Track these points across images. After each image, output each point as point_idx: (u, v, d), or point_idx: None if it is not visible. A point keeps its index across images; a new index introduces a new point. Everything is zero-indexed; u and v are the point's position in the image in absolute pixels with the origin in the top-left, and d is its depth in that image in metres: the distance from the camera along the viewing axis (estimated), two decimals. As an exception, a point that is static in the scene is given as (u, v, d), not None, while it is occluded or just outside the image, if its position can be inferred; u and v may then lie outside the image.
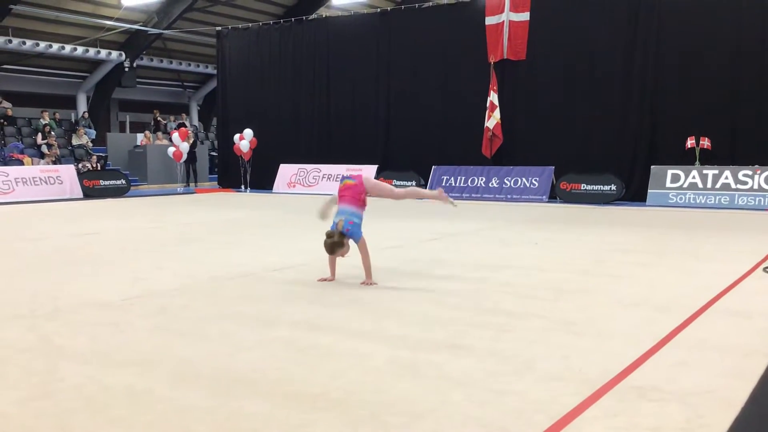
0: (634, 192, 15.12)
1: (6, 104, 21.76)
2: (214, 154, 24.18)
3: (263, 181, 19.89)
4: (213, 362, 3.74)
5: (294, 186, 19.43)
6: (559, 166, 15.80)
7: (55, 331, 4.39)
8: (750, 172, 13.86)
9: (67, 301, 5.28)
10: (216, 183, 22.10)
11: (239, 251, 8.01)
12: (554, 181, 15.73)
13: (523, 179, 16.11)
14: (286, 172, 19.78)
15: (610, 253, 7.77)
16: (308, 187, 19.13)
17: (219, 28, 22.02)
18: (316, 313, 4.88)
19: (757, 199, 13.60)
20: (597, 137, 15.63)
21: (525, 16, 16.49)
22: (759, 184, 13.70)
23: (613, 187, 14.94)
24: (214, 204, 15.57)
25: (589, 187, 15.11)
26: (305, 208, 14.13)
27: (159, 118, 24.75)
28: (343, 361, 3.74)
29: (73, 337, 4.27)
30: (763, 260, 6.96)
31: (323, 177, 19.12)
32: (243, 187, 19.90)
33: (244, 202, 16.31)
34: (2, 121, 20.76)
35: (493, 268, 6.77)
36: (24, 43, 21.55)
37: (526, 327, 4.46)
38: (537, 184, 15.92)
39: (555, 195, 15.59)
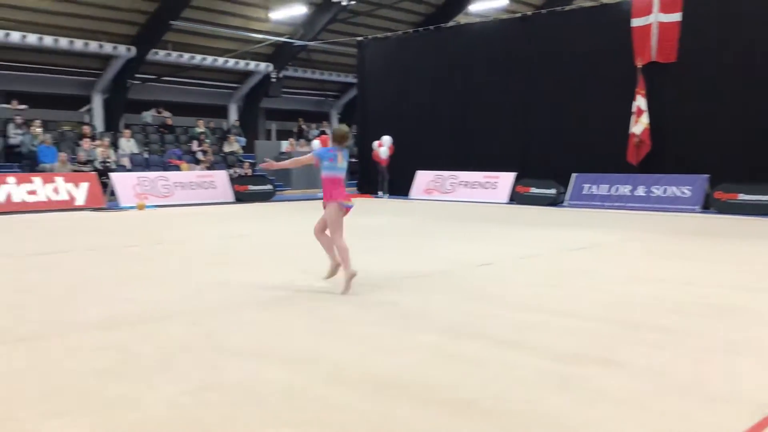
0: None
1: (166, 114, 23.52)
2: (353, 160, 24.84)
3: (400, 188, 20.17)
4: (363, 364, 3.84)
5: (431, 192, 19.55)
6: (713, 174, 14.81)
7: (216, 328, 4.68)
8: None
9: (228, 298, 5.61)
10: (354, 189, 22.68)
11: (380, 257, 8.17)
12: (708, 191, 14.78)
13: (673, 188, 15.26)
14: (423, 178, 19.95)
15: (774, 268, 7.20)
16: (445, 194, 19.18)
17: (360, 38, 22.61)
18: (459, 321, 4.89)
19: None
20: (758, 143, 14.51)
21: (676, 17, 15.66)
22: None
23: (776, 196, 13.81)
24: (353, 209, 15.93)
25: (748, 198, 14.05)
26: (443, 214, 14.18)
27: (303, 126, 25.76)
28: (491, 371, 3.72)
29: (234, 333, 4.53)
30: None
31: (460, 183, 19.10)
32: (381, 193, 20.27)
33: (382, 207, 16.61)
34: (163, 129, 22.45)
35: (641, 280, 6.48)
36: (182, 56, 23.22)
37: (682, 344, 4.23)
38: (689, 194, 15.02)
39: (709, 205, 14.64)
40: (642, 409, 3.15)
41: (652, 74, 15.94)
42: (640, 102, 15.84)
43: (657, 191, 15.41)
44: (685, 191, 15.07)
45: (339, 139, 6.26)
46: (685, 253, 8.39)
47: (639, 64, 15.99)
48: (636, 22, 16.17)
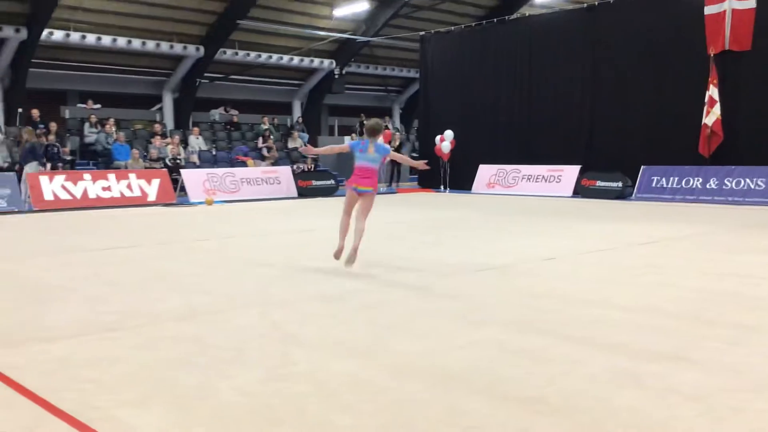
0: None
1: (233, 111, 24.05)
2: (414, 155, 24.83)
3: (462, 182, 20.07)
4: (428, 357, 3.86)
5: (493, 186, 19.39)
6: (790, 165, 14.22)
7: (285, 319, 4.78)
8: None
9: (294, 292, 5.72)
10: (416, 183, 22.69)
11: (443, 251, 8.16)
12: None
13: (747, 180, 14.70)
14: (485, 172, 19.80)
15: None
16: (507, 188, 19.00)
17: (422, 33, 22.58)
18: (526, 315, 4.85)
19: None
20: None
21: (751, 3, 15.06)
22: None
23: None
24: (415, 203, 16.01)
25: (827, 190, 13.44)
26: (506, 209, 14.06)
27: (365, 122, 25.90)
28: (557, 367, 3.69)
29: (302, 325, 4.62)
30: None
31: (523, 178, 18.88)
32: (442, 187, 20.23)
33: (444, 202, 16.58)
34: (230, 126, 22.96)
35: (715, 276, 6.28)
36: (248, 54, 23.68)
37: (758, 341, 4.10)
38: (763, 186, 14.45)
39: (784, 198, 14.06)
40: (716, 407, 3.07)
41: (726, 63, 15.40)
42: (713, 92, 15.32)
43: (729, 183, 14.89)
44: (760, 183, 14.52)
45: (370, 132, 6.83)
46: (759, 248, 8.09)
47: (712, 52, 15.46)
48: (709, 9, 15.64)
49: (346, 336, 4.35)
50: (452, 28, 22.17)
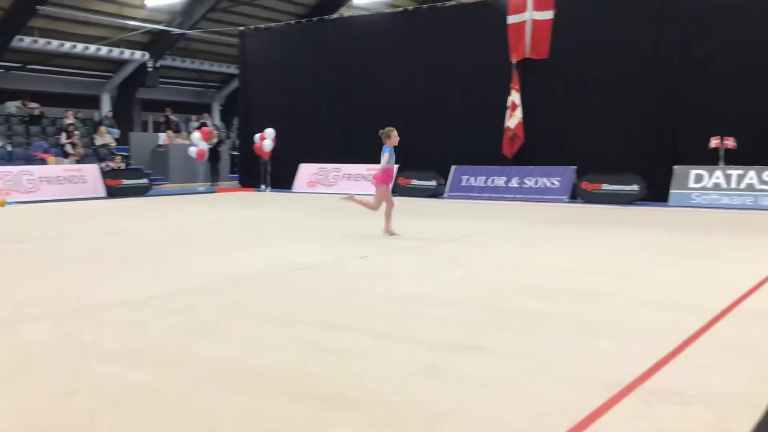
0: (657, 192, 14.95)
1: (33, 105, 22.08)
2: (235, 153, 24.33)
3: (283, 181, 19.98)
4: (234, 362, 3.77)
5: (314, 185, 19.49)
6: (580, 166, 15.69)
7: (80, 330, 4.45)
8: (776, 173, 13.66)
9: (92, 300, 5.35)
10: (236, 182, 22.25)
11: (260, 251, 8.06)
12: (576, 182, 15.63)
13: (544, 179, 16.01)
14: (306, 171, 19.86)
15: (633, 254, 7.71)
16: (328, 187, 19.19)
17: (242, 28, 22.15)
18: (334, 313, 4.90)
19: (783, 199, 13.40)
20: (619, 137, 15.48)
21: (549, 15, 16.39)
22: (785, 185, 13.50)
23: (636, 188, 14.80)
24: (234, 203, 15.68)
25: (611, 188, 14.98)
26: (325, 207, 14.18)
27: (171, 117, 24.82)
28: (363, 362, 3.76)
29: (98, 335, 4.33)
30: (789, 262, 6.86)
31: (343, 176, 19.16)
32: (263, 186, 20.00)
33: (264, 201, 16.40)
34: (28, 120, 21.06)
35: (513, 268, 6.76)
36: (49, 43, 21.85)
37: (547, 328, 4.45)
38: (558, 184, 15.82)
39: (576, 195, 15.48)
40: (502, 391, 3.29)
41: (527, 70, 16.63)
42: (515, 97, 16.49)
43: (529, 182, 16.12)
44: (555, 182, 15.86)
45: (383, 138, 9.01)
46: (552, 241, 8.82)
47: (514, 60, 16.62)
48: (511, 19, 16.79)
49: (146, 344, 4.13)
50: (272, 24, 21.98)
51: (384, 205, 9.26)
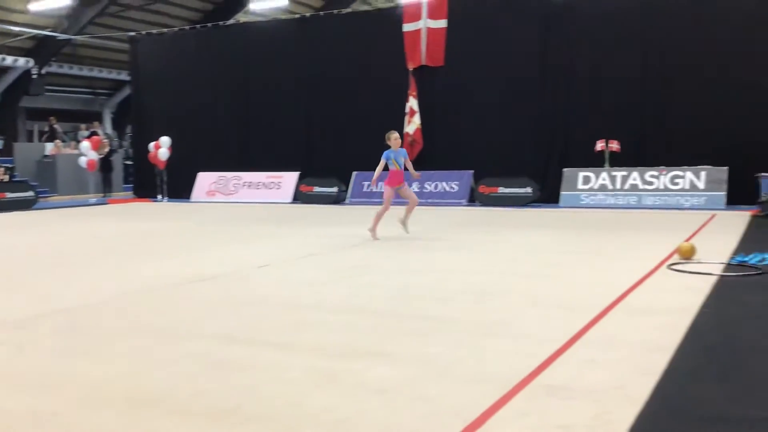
0: (549, 194, 15.56)
1: None
2: (129, 162, 23.45)
3: (181, 190, 19.44)
4: (123, 381, 3.62)
5: (214, 194, 19.07)
6: (478, 170, 16.12)
7: (-47, 355, 4.15)
8: (656, 173, 14.52)
9: (-33, 322, 5.01)
10: (131, 193, 21.46)
11: (153, 263, 7.80)
12: (473, 185, 16.03)
13: (444, 184, 16.34)
14: (204, 180, 19.40)
15: (527, 254, 7.98)
16: (228, 195, 18.82)
17: (132, 34, 21.41)
18: (232, 326, 4.80)
19: (663, 198, 14.26)
20: (513, 141, 16.02)
21: (442, 23, 16.76)
22: (665, 185, 14.36)
23: (529, 190, 15.35)
24: (128, 214, 15.11)
25: (506, 191, 15.46)
26: (225, 217, 13.90)
27: (55, 126, 23.66)
28: (259, 375, 3.69)
29: (-27, 360, 4.05)
30: (668, 258, 7.30)
31: (243, 185, 18.85)
32: (160, 196, 19.37)
33: (160, 212, 15.89)
34: None
35: (416, 272, 6.84)
36: None
37: (446, 330, 4.53)
38: (457, 188, 16.18)
39: (474, 199, 15.89)
40: (400, 396, 3.31)
41: (423, 77, 16.93)
42: (413, 103, 16.75)
43: (429, 187, 16.41)
44: (454, 186, 16.22)
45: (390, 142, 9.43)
46: (454, 244, 9.01)
47: (410, 67, 16.89)
48: (407, 27, 17.05)
49: (27, 367, 3.90)
50: (165, 30, 21.36)
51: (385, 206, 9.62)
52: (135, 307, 5.49)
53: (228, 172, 19.15)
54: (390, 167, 9.49)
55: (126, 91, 26.54)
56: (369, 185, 17.04)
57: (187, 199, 19.20)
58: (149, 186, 19.89)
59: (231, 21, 22.95)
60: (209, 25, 20.66)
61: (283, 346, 4.27)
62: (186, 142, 19.44)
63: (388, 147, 9.63)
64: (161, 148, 18.95)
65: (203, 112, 19.72)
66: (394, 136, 9.57)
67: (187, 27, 21.52)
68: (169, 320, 5.00)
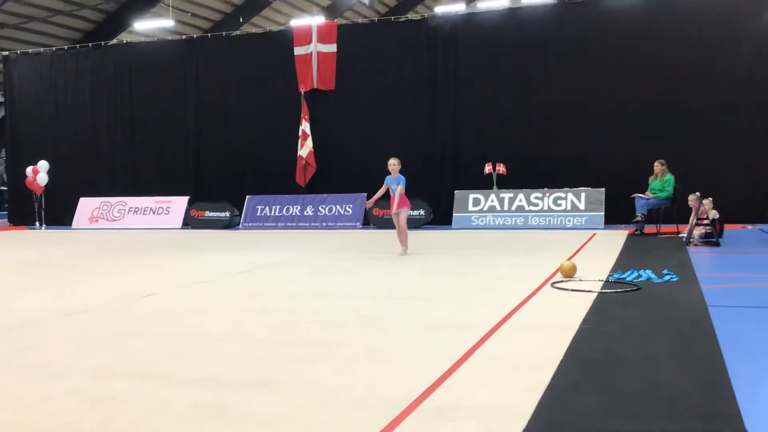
0: (441, 216, 15.91)
1: None
2: (2, 188, 22.05)
3: (62, 217, 18.46)
4: (-12, 425, 3.34)
5: (97, 221, 18.22)
6: (372, 192, 16.19)
7: None
8: (540, 195, 15.16)
9: None
10: (5, 220, 20.15)
11: (27, 296, 7.32)
12: (368, 209, 16.13)
13: (338, 206, 16.37)
14: (87, 206, 18.52)
15: (418, 276, 8.08)
16: (113, 221, 18.04)
17: (6, 53, 20.26)
18: (112, 359, 4.55)
19: (548, 219, 14.89)
20: (405, 164, 16.22)
21: (332, 48, 16.90)
22: (548, 206, 15.02)
23: (422, 212, 15.63)
24: (1, 243, 14.15)
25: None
26: (109, 244, 13.29)
27: None
28: (140, 410, 3.51)
29: None
30: (552, 276, 7.59)
31: (129, 210, 18.13)
32: (37, 223, 18.29)
33: (37, 239, 14.99)
34: None
35: (304, 297, 6.76)
36: None
37: (334, 356, 4.48)
38: (351, 211, 16.24)
39: (369, 221, 15.99)
40: (291, 425, 3.23)
41: (315, 100, 16.97)
42: (305, 126, 16.76)
43: (323, 210, 16.39)
44: (348, 209, 16.28)
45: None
46: (343, 269, 8.99)
47: (302, 90, 16.89)
48: (298, 50, 17.08)
49: None
50: (41, 50, 20.35)
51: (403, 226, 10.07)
52: (1, 344, 5.10)
53: (112, 197, 18.38)
54: (393, 193, 9.92)
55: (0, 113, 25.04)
56: (263, 209, 16.83)
57: (68, 226, 18.25)
58: (26, 213, 18.77)
59: (114, 41, 22.16)
60: (90, 45, 19.86)
61: (167, 378, 4.08)
62: (66, 167, 18.54)
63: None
64: (39, 173, 17.94)
65: (85, 134, 18.90)
66: (390, 162, 9.74)
67: (65, 46, 20.59)
68: (40, 357, 4.68)
